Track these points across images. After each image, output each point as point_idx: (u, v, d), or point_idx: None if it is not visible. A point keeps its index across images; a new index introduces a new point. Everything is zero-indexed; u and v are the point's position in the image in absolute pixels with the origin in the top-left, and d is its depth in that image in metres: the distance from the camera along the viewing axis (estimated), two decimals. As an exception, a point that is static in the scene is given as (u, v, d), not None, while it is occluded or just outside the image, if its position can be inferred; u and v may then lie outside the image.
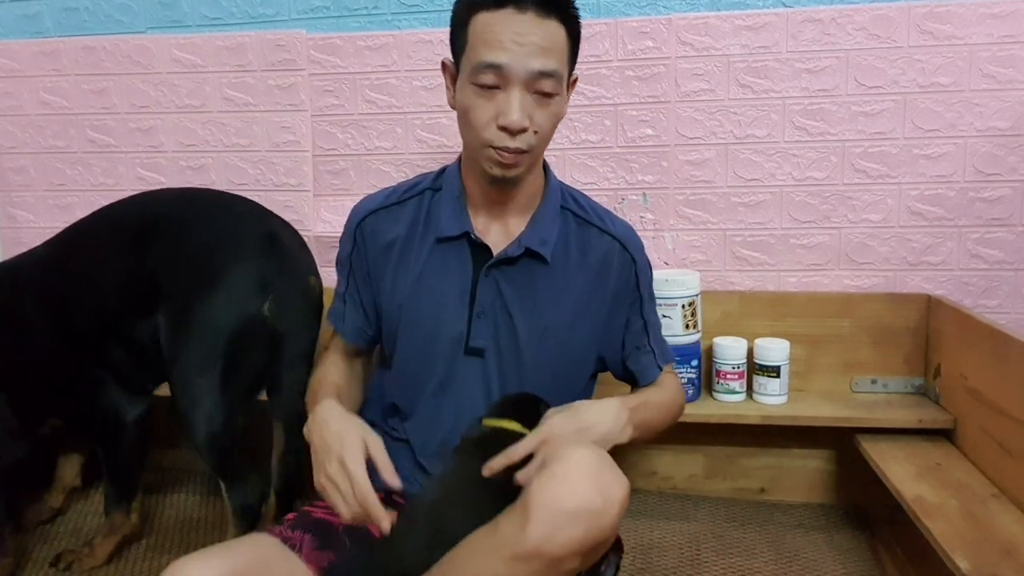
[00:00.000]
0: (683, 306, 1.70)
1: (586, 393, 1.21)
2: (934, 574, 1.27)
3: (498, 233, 1.13)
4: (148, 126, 2.03)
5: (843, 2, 1.74)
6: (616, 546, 1.08)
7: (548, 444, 0.97)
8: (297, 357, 1.50)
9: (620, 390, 1.24)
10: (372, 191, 1.25)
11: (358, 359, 1.25)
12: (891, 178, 1.77)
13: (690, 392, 1.69)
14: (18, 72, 2.05)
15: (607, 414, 1.05)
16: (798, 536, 1.71)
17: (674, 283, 1.69)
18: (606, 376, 1.28)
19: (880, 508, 1.65)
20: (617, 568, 1.10)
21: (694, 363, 1.72)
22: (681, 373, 1.69)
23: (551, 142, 1.13)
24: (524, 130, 1.01)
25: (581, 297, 1.13)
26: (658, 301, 1.33)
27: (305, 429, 1.03)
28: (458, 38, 1.05)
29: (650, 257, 1.26)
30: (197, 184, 1.98)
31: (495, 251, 1.11)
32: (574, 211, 1.16)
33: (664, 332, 1.29)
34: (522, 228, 1.13)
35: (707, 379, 1.79)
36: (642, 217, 1.86)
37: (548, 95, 1.02)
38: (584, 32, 1.11)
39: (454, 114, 1.08)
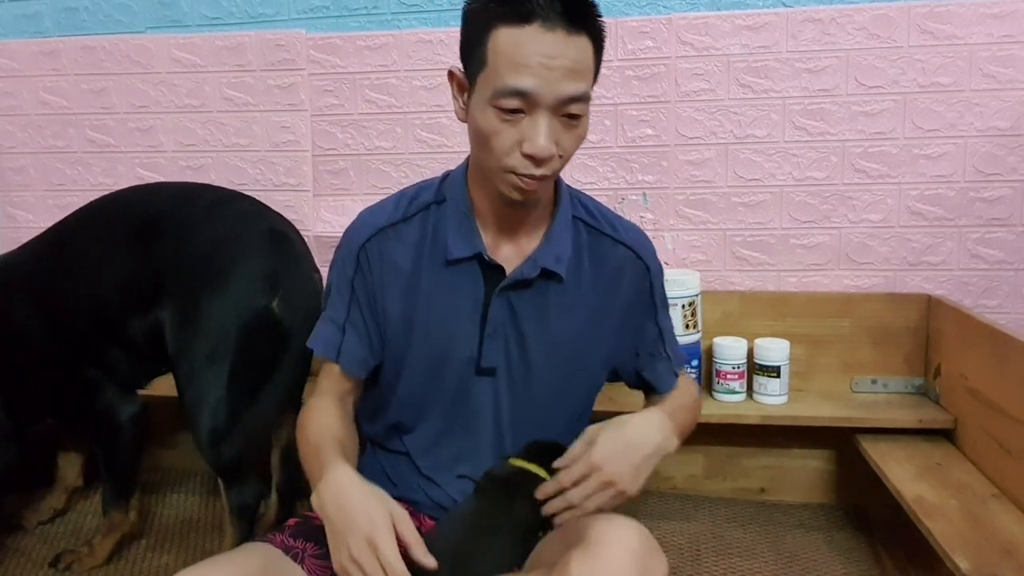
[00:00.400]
0: (683, 306, 1.70)
1: (591, 404, 1.18)
2: (934, 574, 1.27)
3: (510, 250, 1.06)
4: (147, 126, 2.03)
5: (843, 2, 1.74)
6: None
7: (598, 471, 0.94)
8: (304, 352, 1.49)
9: (619, 393, 1.23)
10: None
11: (350, 396, 1.12)
12: (891, 178, 1.77)
13: (690, 392, 1.69)
14: (18, 72, 2.05)
15: (651, 426, 1.01)
16: (798, 536, 1.71)
17: (674, 283, 1.68)
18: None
19: (880, 508, 1.65)
20: None
21: (694, 363, 1.72)
22: (681, 373, 1.69)
23: None
24: (551, 157, 0.94)
25: (594, 310, 1.09)
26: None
27: (314, 498, 0.93)
28: (474, 53, 0.94)
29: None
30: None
31: (508, 269, 1.05)
32: (585, 220, 1.10)
33: (668, 333, 1.28)
34: (534, 244, 1.06)
35: (707, 379, 1.79)
36: (642, 217, 1.86)
37: (575, 117, 0.95)
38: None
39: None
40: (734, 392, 1.74)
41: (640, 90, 1.81)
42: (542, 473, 1.01)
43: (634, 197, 1.86)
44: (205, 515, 1.85)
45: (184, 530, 1.78)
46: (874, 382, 1.78)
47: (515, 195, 0.97)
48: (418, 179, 1.15)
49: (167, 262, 1.46)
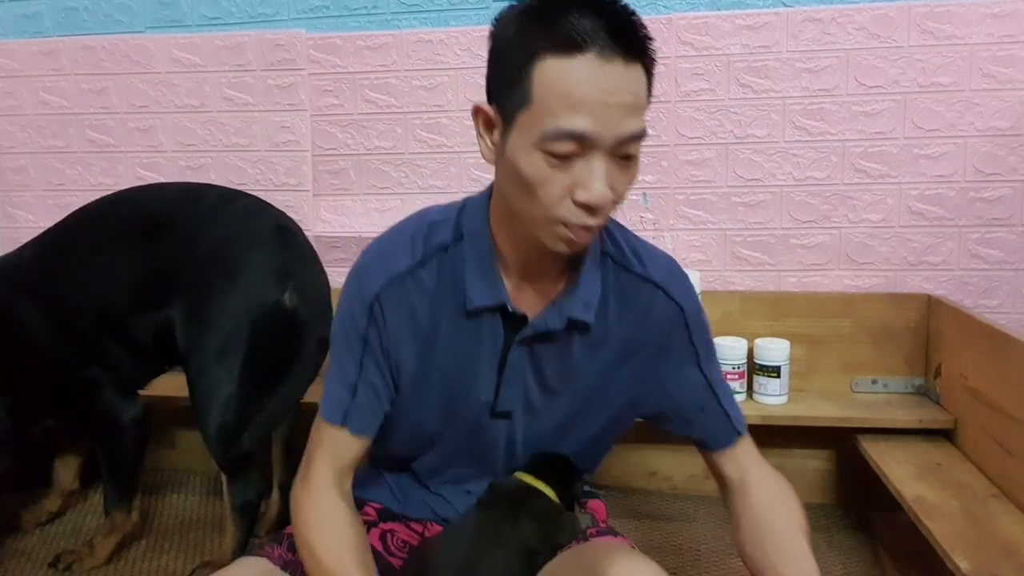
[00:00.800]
0: (683, 306, 1.70)
1: (612, 433, 1.10)
2: (934, 574, 1.26)
3: (532, 296, 0.96)
4: (147, 126, 2.03)
5: (843, 2, 1.74)
6: None
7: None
8: (320, 342, 1.48)
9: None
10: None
11: (352, 468, 0.99)
12: (891, 178, 1.77)
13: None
14: (17, 72, 2.05)
15: None
16: (798, 536, 1.70)
17: (674, 283, 1.69)
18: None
19: (880, 508, 1.65)
20: None
21: (694, 363, 1.72)
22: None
23: None
24: (606, 204, 0.83)
25: (619, 349, 1.00)
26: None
27: None
28: (512, 87, 0.81)
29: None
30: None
31: (530, 315, 0.95)
32: (613, 256, 0.99)
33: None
34: (559, 286, 0.96)
35: (707, 379, 1.78)
36: (642, 217, 1.86)
37: (630, 157, 0.83)
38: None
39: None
40: (734, 392, 1.73)
41: (640, 90, 1.81)
42: (548, 491, 1.00)
43: (634, 197, 1.86)
44: (205, 515, 1.85)
45: (184, 530, 1.77)
46: (874, 382, 1.78)
47: (561, 247, 0.86)
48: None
49: (175, 260, 1.46)
